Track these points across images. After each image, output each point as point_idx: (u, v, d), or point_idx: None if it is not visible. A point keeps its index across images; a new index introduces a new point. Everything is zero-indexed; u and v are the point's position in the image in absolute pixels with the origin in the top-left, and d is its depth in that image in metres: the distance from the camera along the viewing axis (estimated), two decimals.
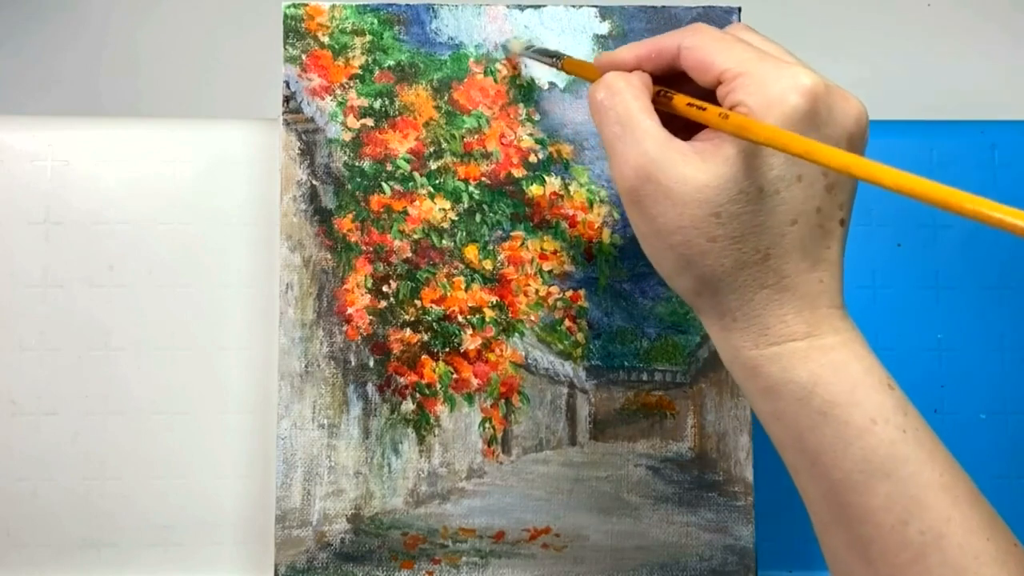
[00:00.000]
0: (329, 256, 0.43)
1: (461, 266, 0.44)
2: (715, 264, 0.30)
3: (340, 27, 0.44)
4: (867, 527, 0.29)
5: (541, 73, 0.44)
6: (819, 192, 0.30)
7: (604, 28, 0.44)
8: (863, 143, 0.31)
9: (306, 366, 0.43)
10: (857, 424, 0.29)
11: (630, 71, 0.33)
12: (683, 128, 0.31)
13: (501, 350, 0.44)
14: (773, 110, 0.29)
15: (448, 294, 0.43)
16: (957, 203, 0.23)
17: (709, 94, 0.31)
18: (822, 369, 0.30)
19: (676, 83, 0.33)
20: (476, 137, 0.44)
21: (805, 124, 0.29)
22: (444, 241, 0.44)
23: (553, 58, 0.41)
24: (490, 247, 0.44)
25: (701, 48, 0.31)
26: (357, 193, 0.43)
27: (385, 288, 0.43)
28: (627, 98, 0.31)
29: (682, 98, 0.31)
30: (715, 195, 0.29)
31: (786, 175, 0.29)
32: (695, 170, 0.29)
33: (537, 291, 0.44)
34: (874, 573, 0.30)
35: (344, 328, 0.43)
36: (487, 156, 0.44)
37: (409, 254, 0.43)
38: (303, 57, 0.44)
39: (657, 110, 0.31)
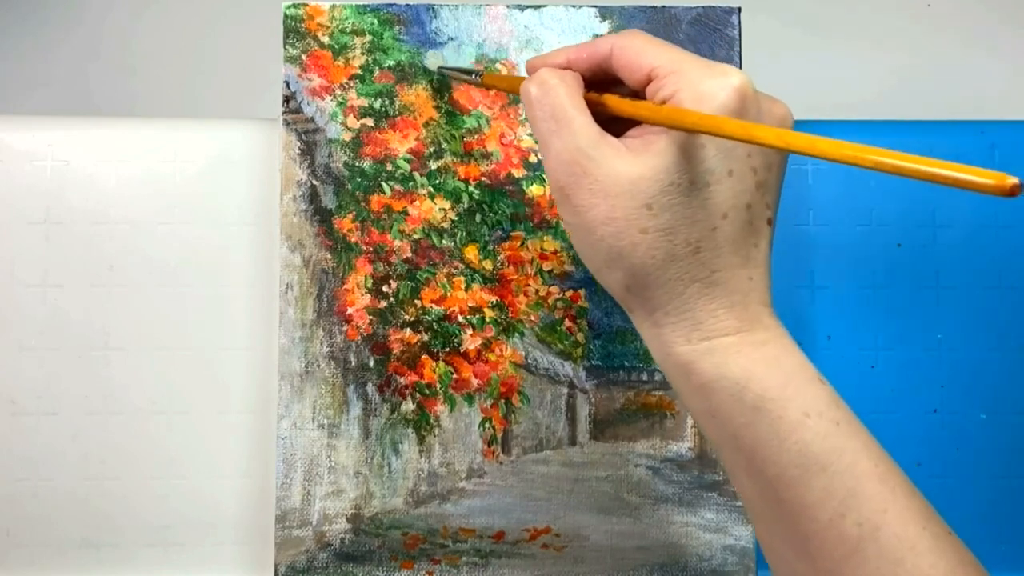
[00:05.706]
0: (329, 256, 0.43)
1: (461, 266, 0.44)
2: (646, 256, 0.30)
3: (340, 27, 0.44)
4: (804, 522, 0.29)
5: None
6: (749, 188, 0.30)
7: (604, 28, 0.44)
8: None
9: (306, 366, 0.43)
10: (791, 418, 0.29)
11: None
12: (612, 134, 0.32)
13: (501, 350, 0.43)
14: (704, 105, 0.29)
15: (448, 294, 0.43)
16: (900, 167, 0.22)
17: (638, 98, 0.32)
18: (754, 364, 0.30)
19: (606, 89, 0.33)
20: (476, 137, 0.44)
21: None
22: (444, 241, 0.44)
23: (472, 75, 0.41)
24: (490, 247, 0.44)
25: (633, 48, 0.32)
26: (357, 193, 0.43)
27: (385, 288, 0.43)
28: (560, 93, 0.32)
29: (612, 96, 0.32)
30: (647, 186, 0.29)
31: (717, 169, 0.30)
32: (627, 164, 0.30)
33: (537, 291, 0.44)
34: (814, 569, 0.29)
35: (344, 328, 0.43)
36: (487, 156, 0.44)
37: (409, 254, 0.43)
38: (303, 57, 0.44)
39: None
